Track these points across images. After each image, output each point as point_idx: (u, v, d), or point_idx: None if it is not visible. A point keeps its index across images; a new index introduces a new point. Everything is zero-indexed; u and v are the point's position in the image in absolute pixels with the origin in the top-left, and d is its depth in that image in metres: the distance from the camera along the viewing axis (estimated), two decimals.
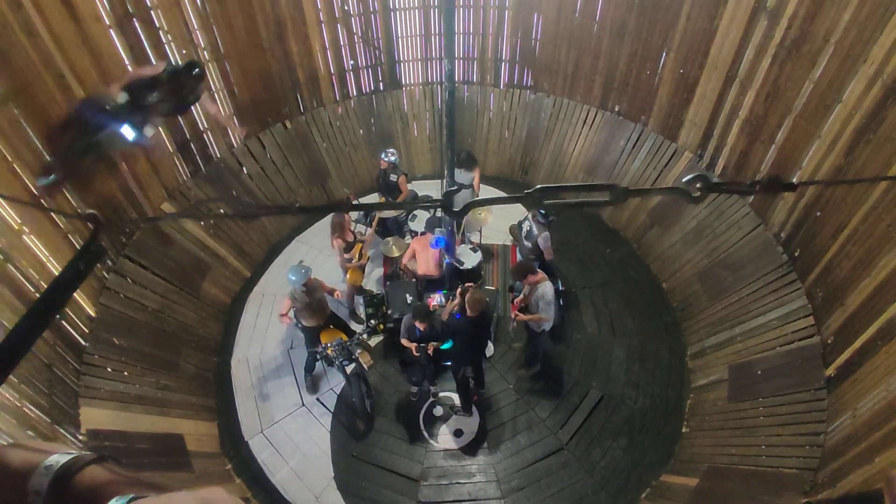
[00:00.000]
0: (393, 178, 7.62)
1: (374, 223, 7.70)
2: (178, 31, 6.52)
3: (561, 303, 7.39)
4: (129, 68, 5.84)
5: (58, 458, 0.74)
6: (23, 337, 0.92)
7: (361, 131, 9.01)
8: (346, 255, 7.12)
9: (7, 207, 4.84)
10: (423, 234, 7.63)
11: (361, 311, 7.58)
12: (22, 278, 4.94)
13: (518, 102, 9.06)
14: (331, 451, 6.54)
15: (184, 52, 6.66)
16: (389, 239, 7.46)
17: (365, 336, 7.18)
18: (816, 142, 5.99)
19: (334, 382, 6.99)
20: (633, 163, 8.28)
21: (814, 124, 5.98)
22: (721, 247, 7.21)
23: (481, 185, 8.33)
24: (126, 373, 6.02)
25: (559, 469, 6.41)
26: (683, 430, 6.75)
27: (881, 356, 5.01)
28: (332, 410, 6.84)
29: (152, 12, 6.16)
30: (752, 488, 5.61)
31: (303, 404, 6.89)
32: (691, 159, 7.71)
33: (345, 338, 6.39)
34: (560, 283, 7.57)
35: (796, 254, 6.39)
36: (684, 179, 1.20)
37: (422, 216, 8.05)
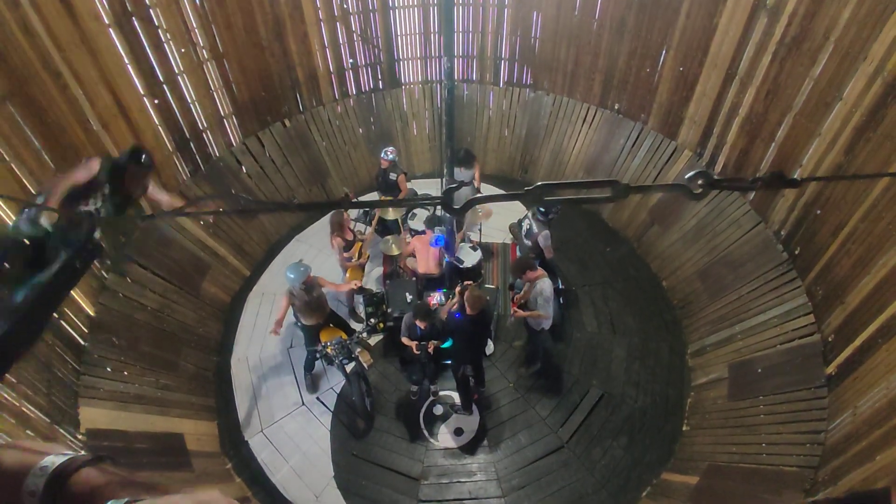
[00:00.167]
0: (392, 176, 7.61)
1: (374, 222, 7.69)
2: (177, 29, 6.51)
3: (561, 301, 7.39)
4: (55, 178, 4.32)
5: (53, 460, 0.73)
6: (21, 335, 0.91)
7: (361, 130, 9.00)
8: (346, 254, 7.11)
9: (5, 207, 4.84)
10: (422, 232, 7.62)
11: (361, 310, 7.58)
12: None
13: (517, 101, 9.05)
14: (331, 450, 6.53)
15: (182, 50, 6.65)
16: (389, 237, 7.45)
17: (365, 335, 7.17)
18: (816, 140, 5.98)
19: (334, 381, 6.99)
20: (632, 161, 8.27)
21: (814, 122, 5.97)
22: (721, 245, 7.20)
23: (481, 183, 8.32)
24: (125, 372, 6.01)
25: (560, 467, 6.41)
26: (684, 428, 6.75)
27: (882, 354, 5.01)
28: (332, 409, 6.83)
29: (151, 11, 6.15)
30: (752, 486, 5.61)
31: (303, 403, 6.88)
32: (691, 157, 7.70)
33: (344, 336, 6.38)
34: (560, 281, 7.56)
35: (796, 252, 6.38)
36: (686, 176, 1.19)
37: (422, 215, 8.04)
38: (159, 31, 6.32)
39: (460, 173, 7.57)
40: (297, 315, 6.44)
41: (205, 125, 7.35)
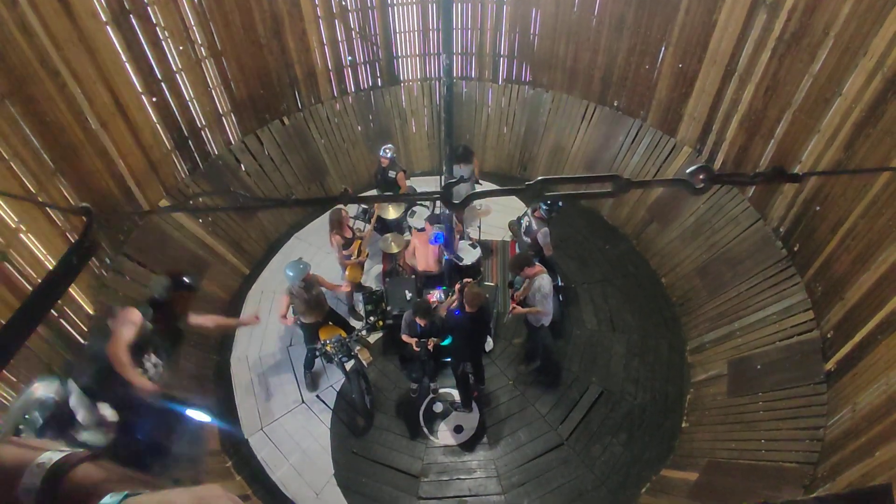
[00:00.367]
0: (392, 174, 7.60)
1: (373, 220, 7.68)
2: (175, 27, 6.49)
3: (560, 298, 7.39)
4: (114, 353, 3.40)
5: (50, 456, 0.72)
6: (16, 331, 0.91)
7: (359, 128, 8.98)
8: (345, 252, 7.10)
9: (3, 206, 4.83)
10: (422, 230, 7.61)
11: (361, 308, 7.57)
12: (19, 276, 4.92)
13: (516, 98, 9.04)
14: (331, 448, 6.53)
15: (180, 48, 6.64)
16: (388, 235, 7.45)
17: (364, 332, 7.17)
18: (816, 136, 5.97)
19: (334, 379, 6.98)
20: (632, 158, 8.26)
21: (813, 118, 5.97)
22: (720, 242, 7.20)
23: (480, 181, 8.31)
24: None
25: (559, 464, 6.41)
26: (683, 424, 6.76)
27: (881, 350, 5.01)
28: (332, 407, 6.83)
29: (149, 8, 6.13)
30: (751, 483, 5.61)
31: (302, 401, 6.88)
32: (690, 154, 7.69)
33: (344, 334, 6.38)
34: (559, 278, 7.56)
35: (795, 248, 6.38)
36: (687, 170, 1.18)
37: (421, 212, 8.03)
38: (157, 28, 6.30)
39: (459, 169, 7.56)
40: (296, 313, 6.44)
41: (203, 123, 7.33)
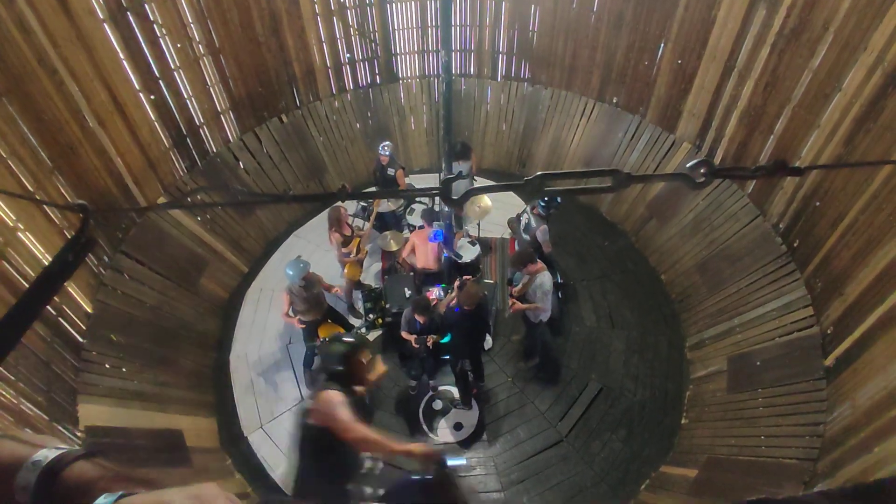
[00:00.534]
0: (391, 171, 7.58)
1: (372, 217, 7.66)
2: (173, 24, 6.46)
3: (559, 295, 7.39)
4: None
5: (46, 454, 0.72)
6: (11, 328, 0.90)
7: (358, 125, 8.96)
8: (344, 250, 7.09)
9: (1, 204, 4.81)
10: (421, 227, 7.60)
11: (360, 306, 7.56)
12: (17, 275, 4.91)
13: (515, 95, 9.02)
14: None
15: (178, 45, 6.61)
16: (387, 233, 7.44)
17: (363, 330, 7.16)
18: (816, 131, 5.96)
19: None
20: (631, 154, 8.24)
21: (813, 113, 5.95)
22: (719, 238, 7.19)
23: (478, 178, 8.30)
24: (124, 369, 6.00)
25: (559, 461, 6.41)
26: (682, 421, 6.76)
27: (880, 346, 5.00)
28: None
29: (146, 6, 6.11)
30: (751, 479, 5.61)
31: (302, 399, 6.87)
32: (690, 150, 7.68)
33: (343, 332, 6.37)
34: (558, 275, 7.55)
35: (795, 244, 6.37)
36: (688, 165, 1.17)
37: (420, 210, 8.02)
38: (155, 26, 6.28)
39: (457, 165, 7.54)
40: (296, 311, 6.43)
41: (201, 121, 7.31)
